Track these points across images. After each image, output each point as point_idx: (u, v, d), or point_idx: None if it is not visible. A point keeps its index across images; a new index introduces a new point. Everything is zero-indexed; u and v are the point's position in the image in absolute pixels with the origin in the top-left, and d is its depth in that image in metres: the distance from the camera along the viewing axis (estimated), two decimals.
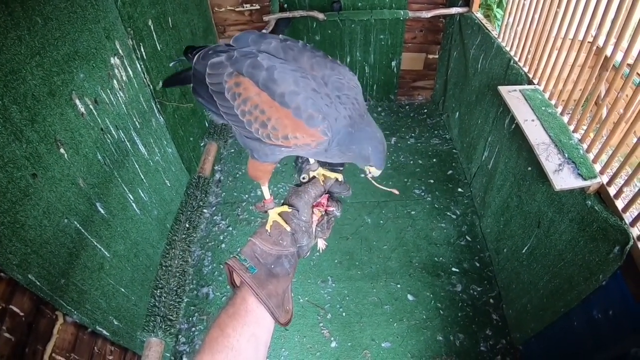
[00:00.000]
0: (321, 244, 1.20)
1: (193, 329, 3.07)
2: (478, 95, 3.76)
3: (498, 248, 3.26)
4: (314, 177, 1.18)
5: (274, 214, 1.11)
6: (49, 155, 1.93)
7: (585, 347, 2.21)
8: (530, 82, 2.87)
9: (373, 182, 1.11)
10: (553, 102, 2.66)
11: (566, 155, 2.25)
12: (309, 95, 0.89)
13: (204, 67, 0.97)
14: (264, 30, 3.98)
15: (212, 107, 1.00)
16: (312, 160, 1.19)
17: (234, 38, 1.00)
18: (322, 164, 1.19)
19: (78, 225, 2.12)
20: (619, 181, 2.06)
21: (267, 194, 1.16)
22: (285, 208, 1.12)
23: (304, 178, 1.19)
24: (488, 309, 3.12)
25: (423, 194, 4.05)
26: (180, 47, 3.49)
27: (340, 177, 1.19)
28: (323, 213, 1.16)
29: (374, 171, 1.04)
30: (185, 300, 3.13)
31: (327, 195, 1.17)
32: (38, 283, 1.82)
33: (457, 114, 4.42)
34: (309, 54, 0.94)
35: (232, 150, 4.62)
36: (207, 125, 4.28)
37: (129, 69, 2.67)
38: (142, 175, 2.81)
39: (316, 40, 4.72)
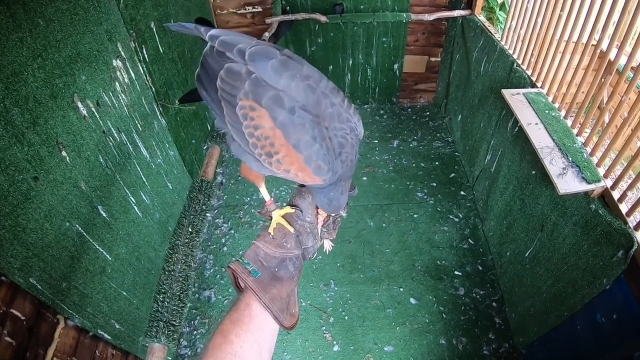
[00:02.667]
0: (327, 245, 1.18)
1: (195, 332, 3.06)
2: (481, 98, 3.75)
3: (501, 251, 3.25)
4: None
5: (277, 216, 1.09)
6: (51, 158, 1.93)
7: (588, 351, 2.20)
8: (533, 85, 2.87)
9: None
10: (556, 105, 2.66)
11: (570, 158, 2.24)
12: (322, 149, 0.88)
13: (219, 67, 0.89)
14: (266, 34, 3.99)
15: (216, 108, 0.95)
16: None
17: (249, 54, 0.87)
18: None
19: (80, 229, 2.11)
20: (623, 185, 2.05)
21: (266, 196, 1.15)
22: (289, 209, 1.10)
23: None
24: (491, 313, 3.11)
25: (425, 197, 4.04)
26: (182, 49, 3.49)
27: None
28: None
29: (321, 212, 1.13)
30: (188, 304, 3.12)
31: None
32: (39, 287, 1.81)
33: (460, 116, 4.41)
34: (328, 101, 0.91)
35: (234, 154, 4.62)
36: (209, 128, 4.28)
37: (131, 72, 2.67)
38: (144, 178, 2.80)
39: (318, 43, 4.72)
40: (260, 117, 0.87)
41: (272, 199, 1.14)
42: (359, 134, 0.98)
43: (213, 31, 0.91)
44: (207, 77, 0.93)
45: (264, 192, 1.15)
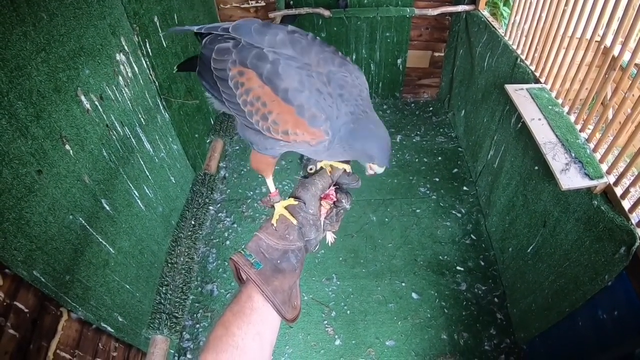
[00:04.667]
0: (330, 237, 1.17)
1: (197, 325, 3.08)
2: (484, 93, 3.74)
3: (503, 247, 3.25)
4: (321, 168, 1.14)
5: (280, 208, 1.08)
6: (55, 152, 1.93)
7: (590, 347, 2.20)
8: (537, 81, 2.86)
9: None
10: (560, 101, 2.65)
11: (573, 154, 2.24)
12: (313, 95, 0.87)
13: (211, 52, 0.94)
14: None
15: (215, 92, 0.97)
16: None
17: (232, 26, 0.93)
18: None
19: (83, 222, 2.12)
20: (626, 181, 2.05)
21: (272, 187, 1.14)
22: (292, 201, 1.09)
23: (311, 169, 1.14)
24: (492, 308, 3.12)
25: (428, 192, 4.04)
26: (185, 43, 3.49)
27: (348, 167, 1.15)
28: (331, 205, 1.12)
29: (375, 168, 1.02)
30: (191, 297, 3.14)
31: (335, 186, 1.14)
32: (43, 279, 1.82)
33: (463, 112, 4.40)
34: (317, 48, 0.91)
35: (237, 147, 4.63)
36: (212, 122, 4.28)
37: (134, 66, 2.67)
38: (147, 172, 2.81)
39: (322, 38, 4.68)
40: (249, 79, 0.88)
41: (277, 190, 1.13)
42: (360, 76, 0.96)
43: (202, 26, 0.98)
44: (203, 67, 0.97)
45: (270, 184, 1.14)
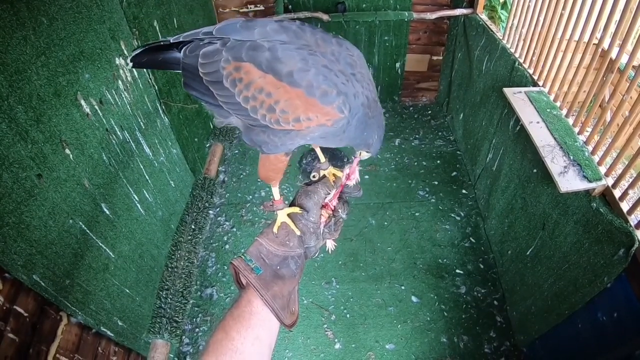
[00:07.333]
0: (330, 245, 1.17)
1: (197, 329, 3.07)
2: (482, 96, 3.75)
3: (502, 250, 3.25)
4: (324, 176, 1.15)
5: (282, 215, 1.08)
6: (54, 156, 1.94)
7: (589, 349, 2.20)
8: (535, 84, 2.87)
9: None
10: (558, 104, 2.66)
11: (571, 157, 2.24)
12: (321, 71, 0.83)
13: (195, 59, 0.90)
14: None
15: (209, 98, 0.95)
16: (322, 159, 1.16)
17: (216, 28, 0.89)
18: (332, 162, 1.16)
19: (83, 226, 2.12)
20: (624, 183, 2.05)
21: (277, 195, 1.13)
22: (295, 209, 1.09)
23: (314, 177, 1.15)
24: (492, 311, 3.11)
25: (427, 195, 4.04)
26: None
27: (353, 179, 1.14)
28: (330, 214, 1.12)
29: (364, 155, 1.07)
30: (191, 301, 3.13)
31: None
32: (43, 284, 1.82)
33: (462, 115, 4.41)
34: (310, 30, 0.89)
35: (237, 152, 4.62)
36: (211, 126, 4.29)
37: (134, 70, 2.67)
38: (147, 176, 2.81)
39: None
40: (247, 73, 0.85)
41: (281, 198, 1.12)
42: (361, 55, 0.94)
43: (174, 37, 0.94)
44: (190, 76, 0.94)
45: (275, 192, 1.13)
